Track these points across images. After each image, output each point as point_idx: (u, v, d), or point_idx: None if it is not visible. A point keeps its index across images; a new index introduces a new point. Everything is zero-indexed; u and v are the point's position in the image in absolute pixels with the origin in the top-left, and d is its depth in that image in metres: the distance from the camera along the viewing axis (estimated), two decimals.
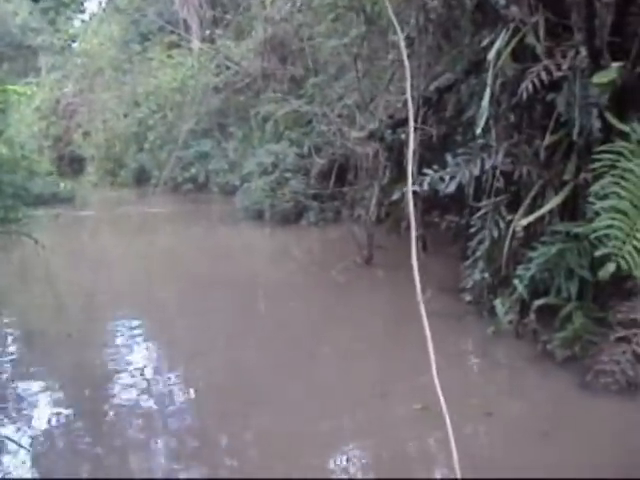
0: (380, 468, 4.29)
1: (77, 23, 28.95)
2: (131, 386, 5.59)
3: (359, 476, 4.24)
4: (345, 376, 5.65)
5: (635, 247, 4.75)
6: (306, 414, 4.90)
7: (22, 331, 7.60)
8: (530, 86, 5.73)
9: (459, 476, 2.65)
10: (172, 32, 22.68)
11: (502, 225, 6.44)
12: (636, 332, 4.92)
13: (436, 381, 2.70)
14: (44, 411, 5.17)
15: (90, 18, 28.69)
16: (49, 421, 4.98)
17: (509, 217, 6.40)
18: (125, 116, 23.69)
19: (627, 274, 4.86)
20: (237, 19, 20.07)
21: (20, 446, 4.51)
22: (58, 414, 5.10)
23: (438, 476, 4.15)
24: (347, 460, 4.39)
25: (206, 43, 20.90)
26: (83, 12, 27.60)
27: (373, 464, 4.41)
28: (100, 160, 25.69)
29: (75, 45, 28.74)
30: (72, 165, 27.99)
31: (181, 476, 4.26)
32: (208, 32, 21.49)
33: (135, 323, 7.60)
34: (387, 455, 4.39)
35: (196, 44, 21.56)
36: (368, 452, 4.53)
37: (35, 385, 5.67)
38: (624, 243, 4.79)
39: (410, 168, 3.48)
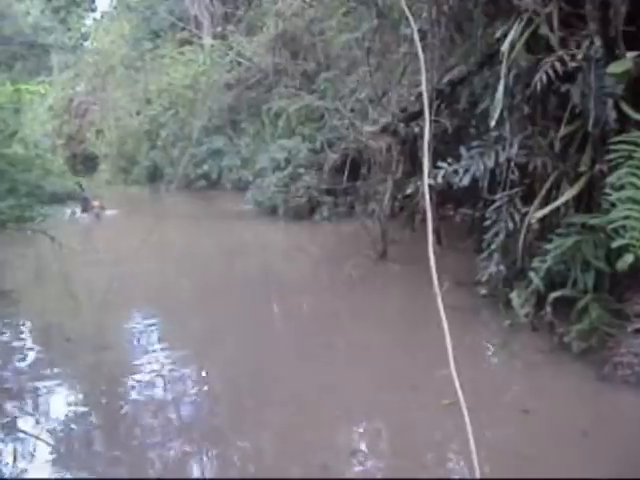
0: (415, 461, 4.23)
1: (88, 22, 29.12)
2: (147, 382, 5.61)
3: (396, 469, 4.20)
4: (368, 370, 5.59)
5: None
6: (331, 407, 4.89)
7: (38, 327, 7.66)
8: (544, 77, 5.68)
9: (477, 469, 2.65)
10: (183, 29, 22.78)
11: (517, 218, 6.40)
12: None
13: (454, 375, 2.70)
14: (61, 406, 5.21)
15: (101, 16, 28.86)
16: (66, 416, 5.02)
17: (524, 209, 6.37)
18: (137, 114, 23.80)
19: None
20: (248, 15, 20.11)
21: (38, 439, 4.56)
22: (75, 409, 5.14)
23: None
24: (379, 452, 4.38)
25: (218, 39, 20.95)
26: (94, 10, 27.69)
27: (410, 457, 4.35)
28: (113, 158, 25.85)
29: (87, 43, 28.94)
30: (85, 163, 28.19)
31: (196, 470, 4.28)
32: (219, 28, 21.53)
33: (150, 319, 7.66)
34: (423, 449, 4.36)
35: (208, 40, 21.61)
36: (405, 444, 4.49)
37: (52, 381, 5.72)
38: None
39: (426, 161, 3.47)
